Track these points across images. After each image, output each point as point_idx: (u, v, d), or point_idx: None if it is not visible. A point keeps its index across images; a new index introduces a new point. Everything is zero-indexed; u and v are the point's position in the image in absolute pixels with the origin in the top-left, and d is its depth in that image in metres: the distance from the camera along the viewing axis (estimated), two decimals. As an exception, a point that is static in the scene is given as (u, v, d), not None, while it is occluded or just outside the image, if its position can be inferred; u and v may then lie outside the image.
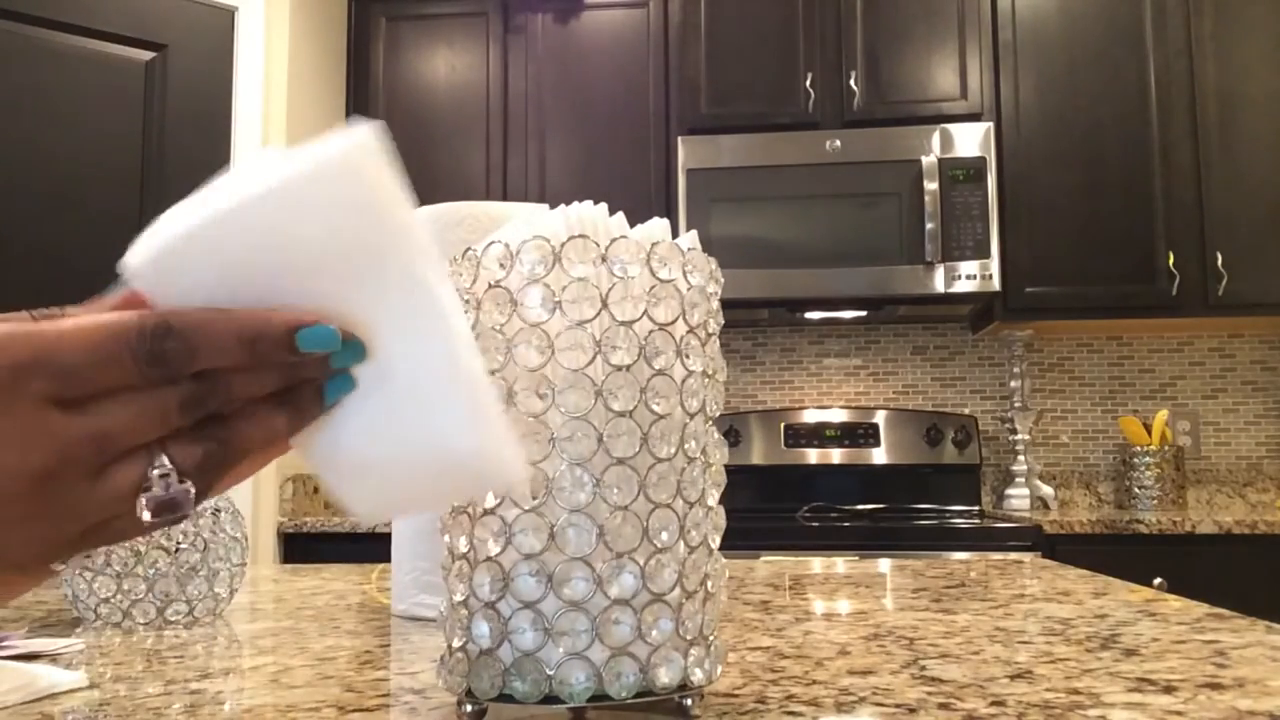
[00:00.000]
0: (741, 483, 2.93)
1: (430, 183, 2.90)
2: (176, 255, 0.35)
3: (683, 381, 0.48)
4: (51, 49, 2.33)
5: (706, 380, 0.50)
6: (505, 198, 2.87)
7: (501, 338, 0.46)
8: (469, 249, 0.49)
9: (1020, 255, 2.69)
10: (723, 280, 0.52)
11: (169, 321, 0.34)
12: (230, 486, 0.39)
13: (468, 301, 0.48)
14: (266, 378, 0.36)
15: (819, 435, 2.94)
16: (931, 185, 2.63)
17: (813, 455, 2.93)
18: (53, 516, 0.33)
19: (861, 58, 2.79)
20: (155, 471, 0.34)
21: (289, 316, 0.35)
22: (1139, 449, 2.80)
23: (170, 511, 0.34)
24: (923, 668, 0.60)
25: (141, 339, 0.33)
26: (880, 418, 2.94)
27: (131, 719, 0.51)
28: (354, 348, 0.37)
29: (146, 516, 0.34)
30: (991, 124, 2.67)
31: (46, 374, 0.32)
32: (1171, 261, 2.65)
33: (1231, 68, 2.69)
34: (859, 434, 2.92)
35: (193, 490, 0.35)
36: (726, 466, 0.52)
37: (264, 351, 0.35)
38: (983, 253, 2.62)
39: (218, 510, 0.87)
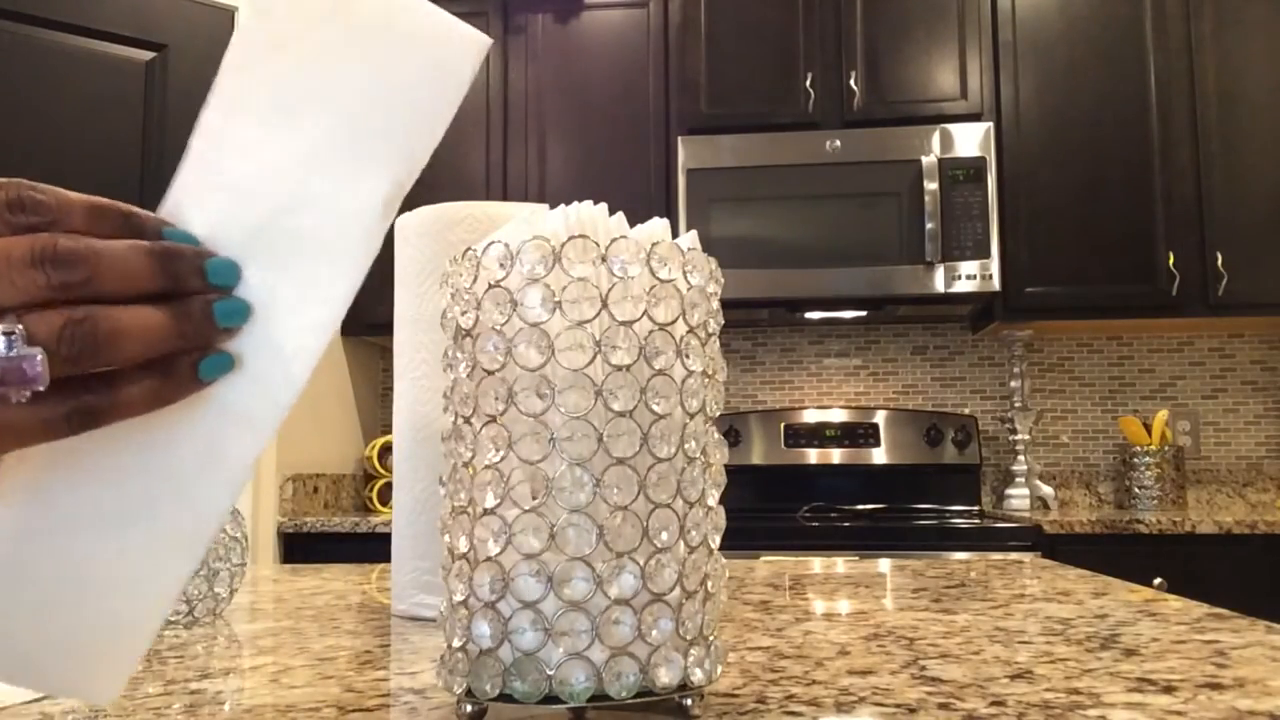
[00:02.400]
0: (741, 483, 2.93)
1: (430, 183, 2.89)
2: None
3: (683, 381, 0.48)
4: (51, 49, 2.33)
5: (706, 380, 0.50)
6: (505, 198, 2.87)
7: (501, 338, 0.46)
8: (469, 249, 0.49)
9: (1020, 255, 2.69)
10: (723, 280, 0.52)
11: (38, 186, 0.33)
12: (121, 414, 0.35)
13: (467, 301, 0.48)
14: (138, 267, 0.34)
15: (819, 435, 2.94)
16: (931, 185, 2.63)
17: (813, 455, 2.93)
18: None
19: (861, 58, 2.79)
20: None
21: (159, 218, 0.36)
22: (1139, 449, 2.80)
23: (16, 380, 0.31)
24: (923, 668, 0.60)
25: (4, 188, 0.32)
26: (880, 418, 2.94)
27: (131, 719, 0.51)
28: (227, 266, 0.36)
29: None
30: (991, 124, 2.68)
31: None
32: (1171, 261, 2.66)
33: (1231, 68, 2.70)
34: (859, 434, 2.93)
35: (42, 358, 0.31)
36: (726, 466, 0.52)
37: (134, 223, 0.34)
38: (982, 253, 2.62)
39: (218, 510, 0.86)
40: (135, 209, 0.36)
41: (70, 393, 0.33)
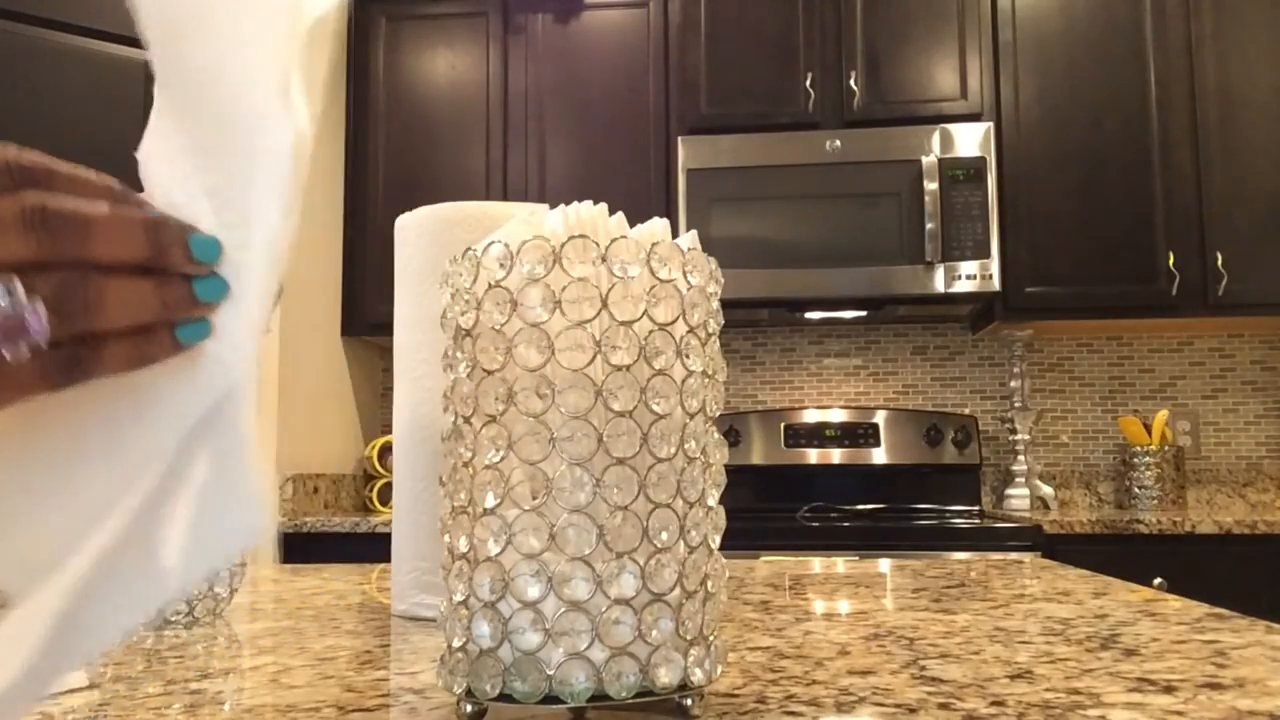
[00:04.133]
0: (741, 483, 2.93)
1: (430, 183, 2.90)
2: None
3: (683, 381, 0.48)
4: (51, 49, 2.33)
5: (706, 380, 0.50)
6: (505, 198, 2.87)
7: (501, 338, 0.46)
8: (469, 249, 0.49)
9: (1020, 255, 2.69)
10: (723, 280, 0.52)
11: (27, 151, 0.33)
12: (107, 371, 0.36)
13: (467, 301, 0.48)
14: (127, 234, 0.35)
15: (819, 435, 2.94)
16: (931, 185, 2.63)
17: (813, 455, 2.93)
18: None
19: (861, 58, 2.79)
20: None
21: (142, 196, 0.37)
22: (1139, 449, 2.80)
23: (18, 334, 0.32)
24: (923, 668, 0.60)
25: None
26: (880, 418, 2.94)
27: (131, 719, 0.51)
28: (209, 242, 0.37)
29: None
30: (991, 124, 2.67)
31: None
32: (1171, 261, 2.65)
33: (1231, 68, 2.69)
34: (859, 434, 2.92)
35: (43, 313, 0.32)
36: (726, 466, 0.52)
37: (119, 194, 0.35)
38: (982, 253, 2.62)
39: (218, 510, 0.86)
40: (120, 184, 0.37)
41: (64, 345, 0.34)
